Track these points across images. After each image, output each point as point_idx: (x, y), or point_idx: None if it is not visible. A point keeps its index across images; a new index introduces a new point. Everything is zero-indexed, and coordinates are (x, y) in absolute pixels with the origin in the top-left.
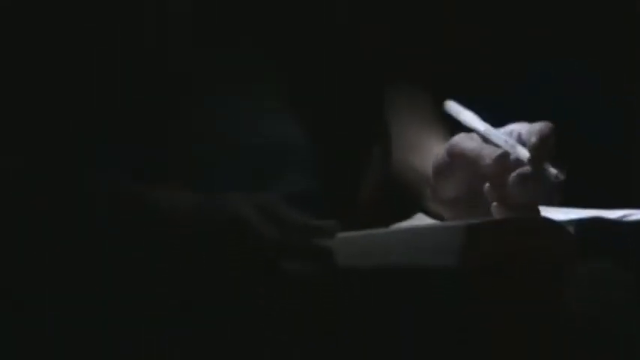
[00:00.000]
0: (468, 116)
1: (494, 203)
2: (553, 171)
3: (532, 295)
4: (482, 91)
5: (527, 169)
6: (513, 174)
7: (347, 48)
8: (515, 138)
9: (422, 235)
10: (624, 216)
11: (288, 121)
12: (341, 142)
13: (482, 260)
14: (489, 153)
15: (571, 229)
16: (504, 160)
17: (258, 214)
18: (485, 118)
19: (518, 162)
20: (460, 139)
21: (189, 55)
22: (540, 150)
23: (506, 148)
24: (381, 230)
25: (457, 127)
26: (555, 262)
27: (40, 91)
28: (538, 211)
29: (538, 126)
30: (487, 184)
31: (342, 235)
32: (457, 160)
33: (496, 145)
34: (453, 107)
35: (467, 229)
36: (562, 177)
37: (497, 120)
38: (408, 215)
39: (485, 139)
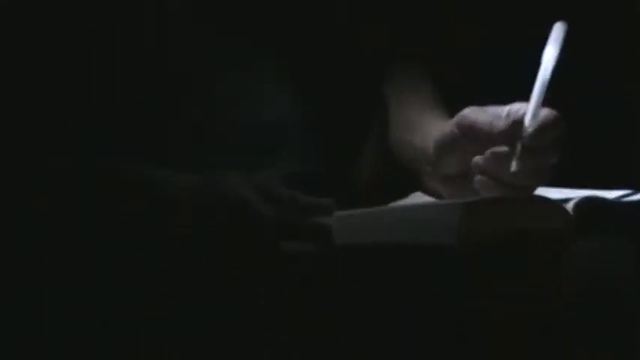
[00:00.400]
0: (547, 54)
1: (478, 177)
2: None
3: (528, 272)
4: (483, 91)
5: (503, 148)
6: (487, 152)
7: (347, 29)
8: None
9: (419, 213)
10: (622, 196)
11: (287, 101)
12: (339, 121)
13: (479, 238)
14: (502, 124)
15: (567, 208)
16: (517, 129)
17: (257, 193)
18: None
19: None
20: (471, 112)
21: (191, 38)
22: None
23: (529, 106)
24: (379, 208)
25: (456, 105)
26: (551, 241)
27: (40, 89)
28: (528, 189)
29: (542, 112)
30: (476, 158)
31: (340, 213)
32: (467, 132)
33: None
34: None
35: (464, 207)
36: (550, 161)
37: None
38: (405, 194)
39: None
